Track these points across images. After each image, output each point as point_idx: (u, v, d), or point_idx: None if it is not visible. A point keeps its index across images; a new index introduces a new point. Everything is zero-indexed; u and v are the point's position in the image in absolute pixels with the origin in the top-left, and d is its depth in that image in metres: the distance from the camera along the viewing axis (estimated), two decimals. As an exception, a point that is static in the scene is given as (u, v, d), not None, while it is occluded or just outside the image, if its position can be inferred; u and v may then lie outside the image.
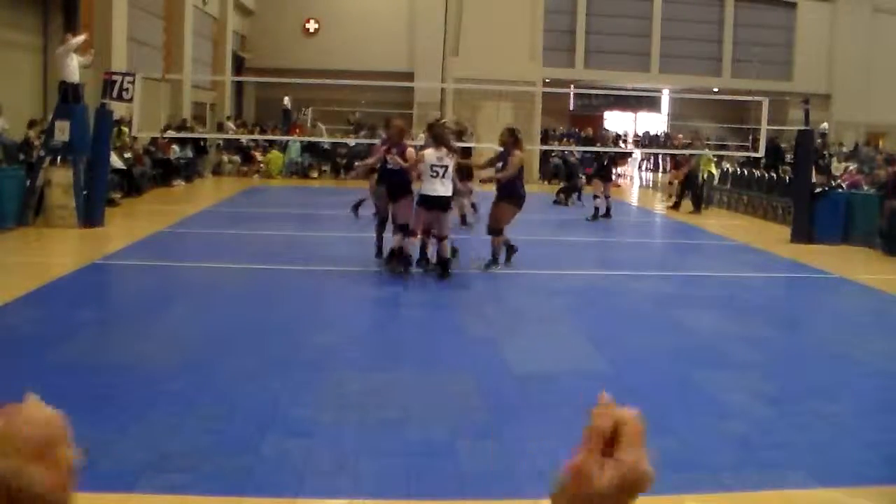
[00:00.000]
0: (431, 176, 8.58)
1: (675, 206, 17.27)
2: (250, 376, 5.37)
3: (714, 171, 18.51)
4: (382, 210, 9.41)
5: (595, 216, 14.93)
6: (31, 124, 14.43)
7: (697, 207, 17.07)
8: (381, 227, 9.59)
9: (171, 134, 19.01)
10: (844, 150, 27.28)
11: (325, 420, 4.65)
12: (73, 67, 11.93)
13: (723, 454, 4.36)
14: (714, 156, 19.70)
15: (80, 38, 12.28)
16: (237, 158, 23.31)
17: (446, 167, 8.56)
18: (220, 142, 23.29)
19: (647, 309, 7.98)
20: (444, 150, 8.67)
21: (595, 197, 15.17)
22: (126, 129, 16.00)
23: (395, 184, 8.86)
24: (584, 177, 17.95)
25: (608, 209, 15.06)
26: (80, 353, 5.80)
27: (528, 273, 9.77)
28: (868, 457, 4.35)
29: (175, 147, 19.79)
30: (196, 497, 3.64)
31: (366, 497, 3.75)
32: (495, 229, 9.28)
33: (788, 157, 20.01)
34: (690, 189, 17.33)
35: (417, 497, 3.77)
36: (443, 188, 8.59)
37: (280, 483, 3.82)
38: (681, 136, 21.10)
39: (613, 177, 16.39)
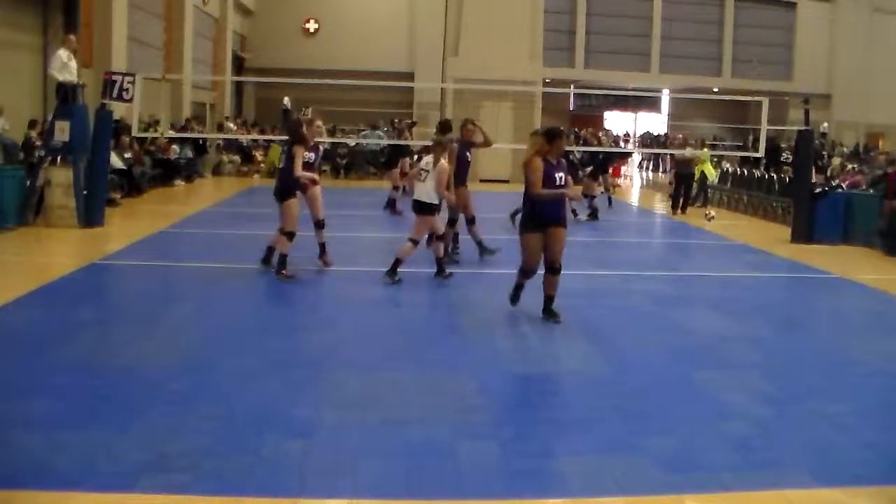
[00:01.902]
0: (420, 180, 8.73)
1: (674, 209, 17.23)
2: (250, 376, 5.37)
3: (709, 171, 18.44)
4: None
5: (595, 216, 14.90)
6: (33, 124, 14.42)
7: (682, 208, 17.01)
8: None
9: (171, 134, 19.03)
10: (846, 150, 27.29)
11: (325, 420, 4.65)
12: (71, 68, 11.92)
13: (723, 454, 4.36)
14: (712, 156, 19.66)
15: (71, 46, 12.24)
16: (237, 158, 23.32)
17: (429, 172, 8.63)
18: (220, 142, 23.31)
19: (647, 309, 7.98)
20: (431, 155, 8.77)
21: (592, 197, 15.16)
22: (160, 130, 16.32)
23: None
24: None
25: (594, 210, 14.99)
26: (80, 353, 5.80)
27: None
28: (868, 457, 4.35)
29: (175, 147, 19.81)
30: (196, 497, 3.65)
31: (366, 497, 3.75)
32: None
33: (784, 156, 19.95)
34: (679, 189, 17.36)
35: (417, 497, 3.77)
36: (421, 193, 8.67)
37: (280, 483, 3.82)
38: (680, 136, 21.06)
39: (606, 177, 16.36)
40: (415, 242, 8.72)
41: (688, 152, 17.86)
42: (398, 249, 8.71)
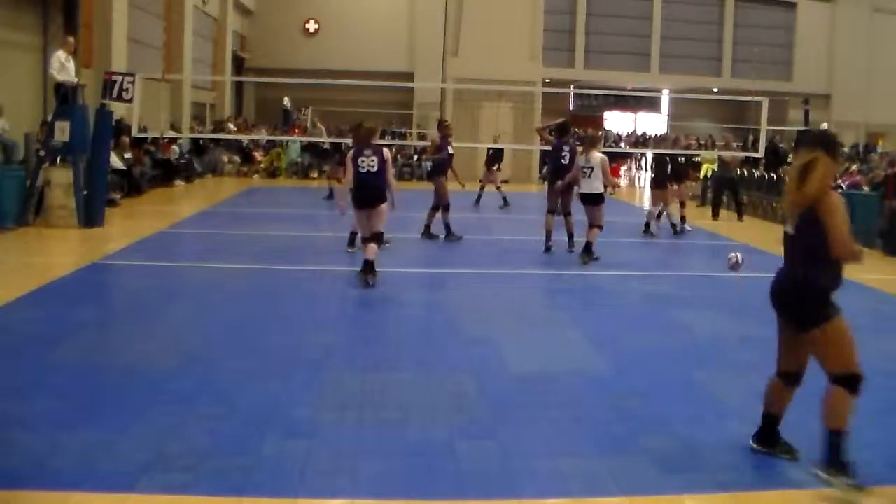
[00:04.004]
0: (586, 177, 10.34)
1: (715, 215, 16.05)
2: (250, 376, 5.37)
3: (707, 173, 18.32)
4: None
5: (647, 230, 13.34)
6: (43, 125, 14.37)
7: (738, 213, 16.30)
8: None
9: (171, 134, 19.04)
10: (846, 150, 27.29)
11: (325, 420, 4.65)
12: (69, 69, 11.93)
13: (723, 454, 4.36)
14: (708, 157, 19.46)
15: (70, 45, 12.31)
16: (237, 158, 23.33)
17: (592, 168, 10.22)
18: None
19: (647, 309, 7.98)
20: (591, 153, 10.34)
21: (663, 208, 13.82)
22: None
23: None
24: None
25: (674, 225, 13.45)
26: (80, 353, 5.80)
27: (529, 273, 9.78)
28: (868, 457, 4.34)
29: (175, 147, 19.81)
30: (196, 497, 3.64)
31: (366, 497, 3.75)
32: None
33: (789, 157, 19.89)
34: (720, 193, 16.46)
35: (417, 497, 3.77)
36: (589, 186, 10.30)
37: (280, 483, 3.82)
38: (720, 137, 20.56)
39: (672, 184, 13.70)
40: (601, 227, 10.45)
41: (727, 154, 16.69)
42: (588, 234, 10.37)
